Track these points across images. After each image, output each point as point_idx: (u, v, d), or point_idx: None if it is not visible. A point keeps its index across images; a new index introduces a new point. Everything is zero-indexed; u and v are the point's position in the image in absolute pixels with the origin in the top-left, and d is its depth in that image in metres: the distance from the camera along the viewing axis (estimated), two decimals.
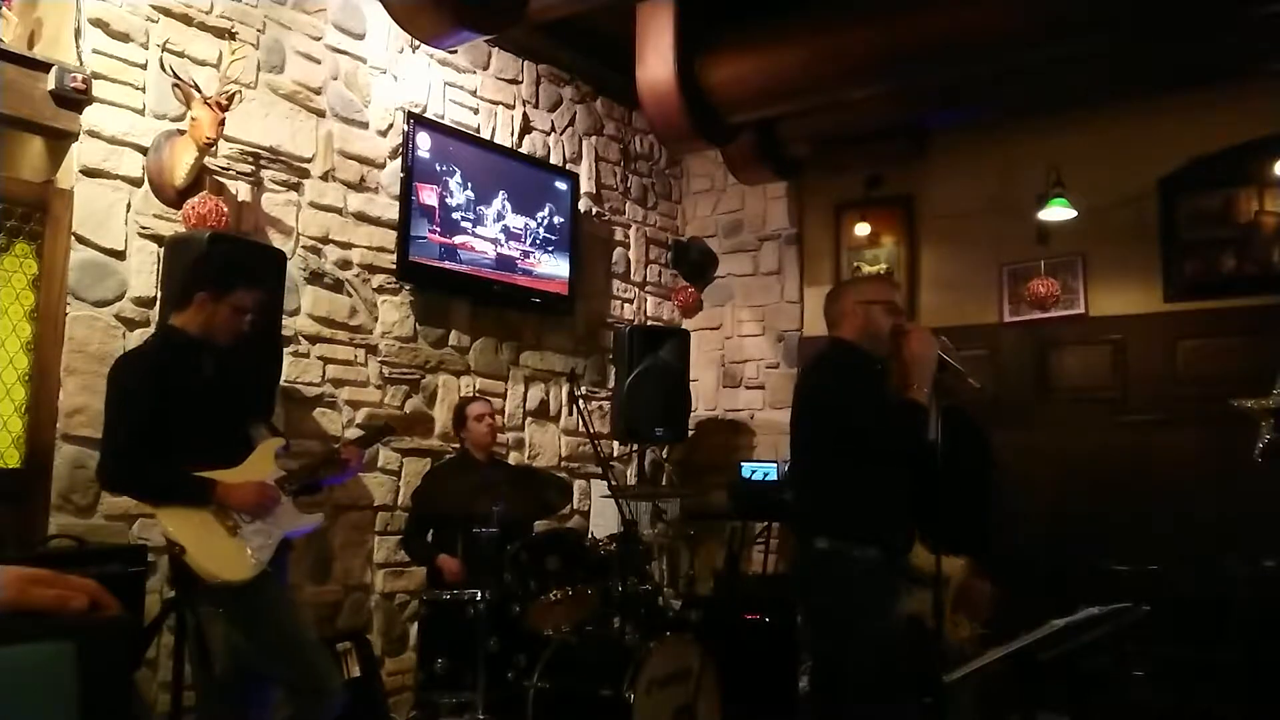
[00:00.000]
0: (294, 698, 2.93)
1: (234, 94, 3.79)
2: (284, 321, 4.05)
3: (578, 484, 5.63)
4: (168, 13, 3.84)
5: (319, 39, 4.44)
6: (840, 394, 3.06)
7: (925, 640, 3.20)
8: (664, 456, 6.34)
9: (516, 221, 5.27)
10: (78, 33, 3.56)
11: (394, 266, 4.67)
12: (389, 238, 4.67)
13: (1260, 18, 4.22)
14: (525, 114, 5.53)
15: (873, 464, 2.98)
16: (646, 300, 6.39)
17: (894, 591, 3.02)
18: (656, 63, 4.84)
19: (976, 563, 3.66)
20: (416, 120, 4.78)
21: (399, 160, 4.71)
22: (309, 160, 4.36)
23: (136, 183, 3.73)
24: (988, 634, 3.59)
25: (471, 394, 5.05)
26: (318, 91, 4.42)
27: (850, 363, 3.13)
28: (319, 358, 4.38)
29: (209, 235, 3.57)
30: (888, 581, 2.99)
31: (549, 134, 5.70)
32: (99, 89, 3.60)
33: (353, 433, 4.50)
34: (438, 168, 4.86)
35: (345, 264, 4.51)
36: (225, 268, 3.13)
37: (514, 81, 5.48)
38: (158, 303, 3.72)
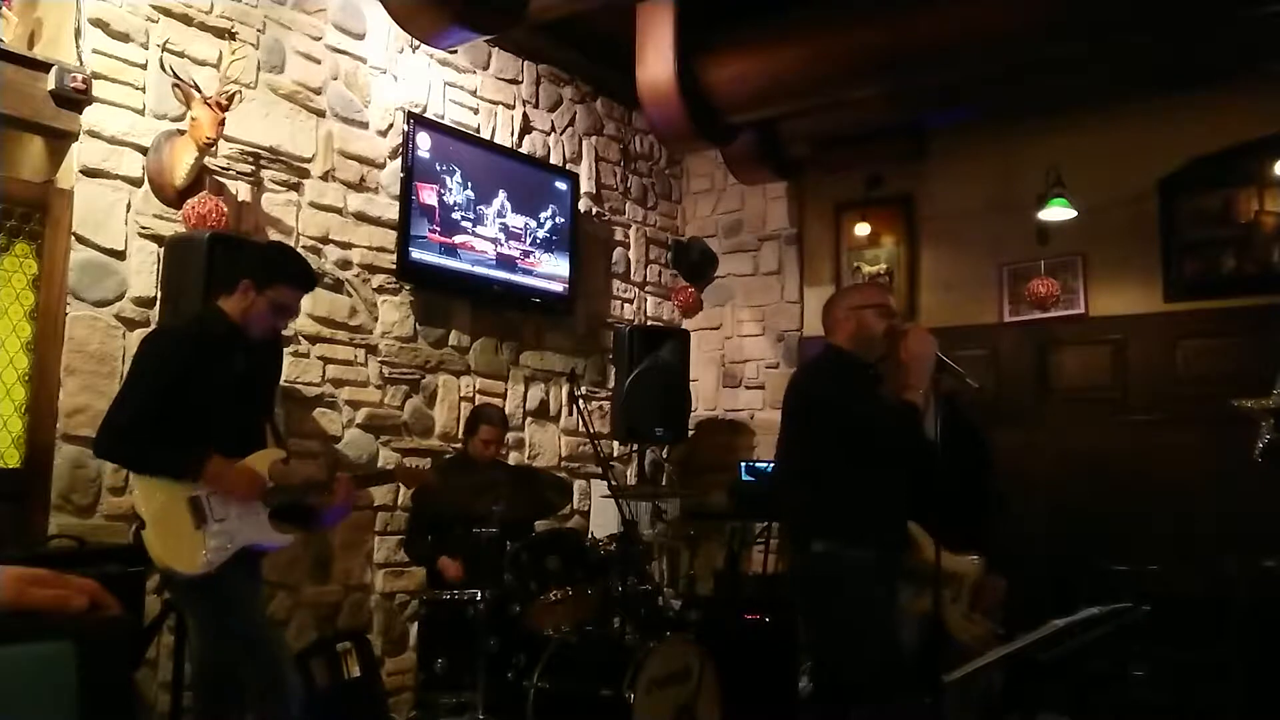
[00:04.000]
0: (257, 699, 2.93)
1: (234, 94, 3.79)
2: None
3: (578, 484, 5.63)
4: (168, 13, 3.83)
5: (319, 39, 4.44)
6: (833, 397, 3.06)
7: (937, 639, 3.20)
8: (664, 456, 6.34)
9: (516, 221, 5.27)
10: (78, 33, 3.56)
11: (394, 266, 4.67)
12: (389, 238, 4.67)
13: (1260, 18, 4.22)
14: (525, 114, 5.53)
15: (867, 466, 2.98)
16: (646, 300, 6.39)
17: (892, 591, 3.02)
18: (656, 63, 4.84)
19: (990, 560, 3.66)
20: (416, 120, 4.78)
21: (399, 160, 4.71)
22: (309, 160, 4.36)
23: (136, 183, 3.73)
24: (1004, 634, 3.58)
25: (473, 394, 5.06)
26: (318, 91, 4.42)
27: (840, 365, 3.14)
28: (319, 358, 4.38)
29: (209, 235, 3.57)
30: (885, 581, 2.99)
31: (549, 134, 5.70)
32: (99, 89, 3.60)
33: (353, 434, 4.50)
34: (438, 167, 4.86)
35: (345, 264, 4.51)
36: (272, 261, 3.12)
37: (514, 81, 5.47)
38: (158, 303, 3.72)
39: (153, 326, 3.69)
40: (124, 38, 3.69)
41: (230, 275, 3.08)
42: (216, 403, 2.95)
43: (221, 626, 2.94)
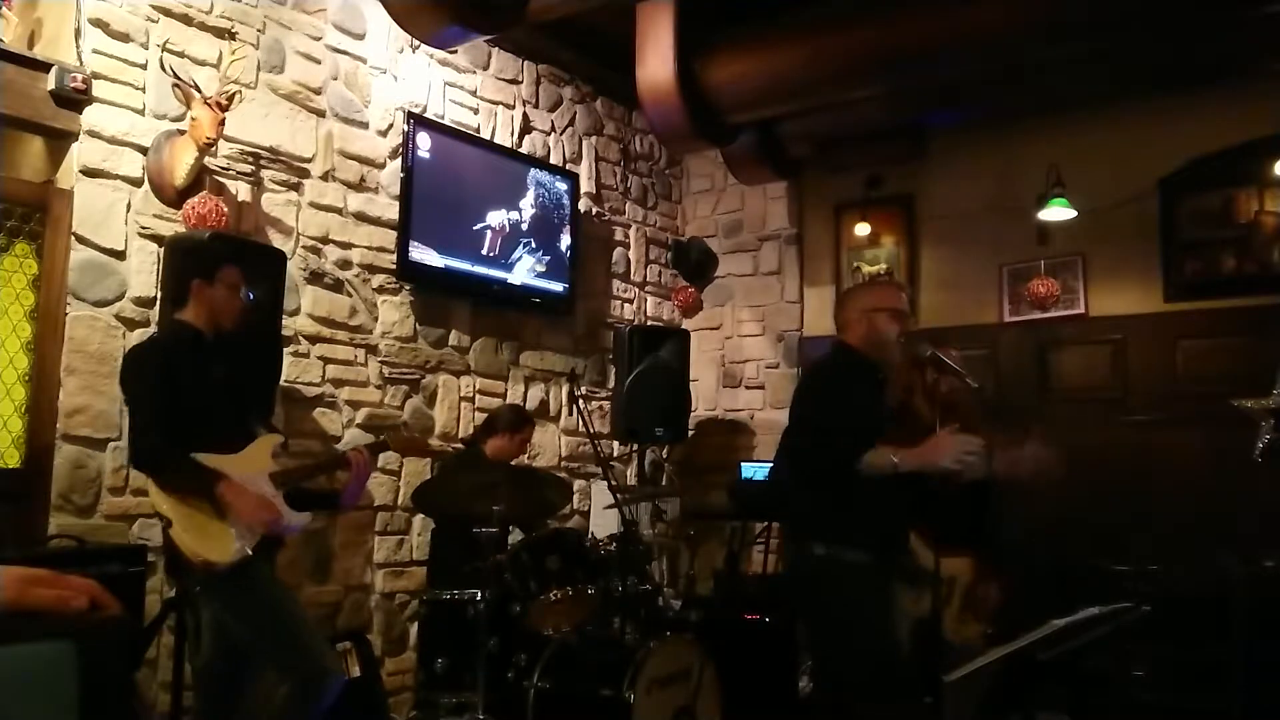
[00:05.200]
0: (292, 679, 2.92)
1: (234, 94, 3.78)
2: (284, 321, 4.05)
3: (578, 484, 5.63)
4: (168, 13, 3.83)
5: (319, 39, 4.44)
6: (816, 399, 3.07)
7: (933, 640, 3.20)
8: (664, 456, 6.34)
9: (517, 220, 5.27)
10: (78, 33, 3.56)
11: (394, 266, 4.67)
12: (389, 238, 4.67)
13: (1260, 18, 4.22)
14: (525, 114, 5.53)
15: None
16: (646, 300, 6.39)
17: (888, 594, 3.01)
18: (656, 63, 4.84)
19: (982, 562, 3.66)
20: (416, 120, 4.78)
21: (399, 160, 4.71)
22: (309, 160, 4.36)
23: (136, 183, 3.73)
24: (993, 634, 3.59)
25: (473, 394, 5.06)
26: (318, 91, 4.42)
27: (846, 365, 3.14)
28: (319, 358, 4.37)
29: (209, 235, 3.57)
30: (881, 584, 2.98)
31: (549, 134, 5.70)
32: (99, 89, 3.60)
33: (353, 434, 4.49)
34: (438, 167, 4.85)
35: (345, 264, 4.51)
36: (204, 252, 3.26)
37: (514, 81, 5.47)
38: (158, 303, 3.72)
39: (151, 329, 3.69)
40: (124, 38, 3.69)
41: (176, 289, 3.19)
42: (203, 408, 2.97)
43: (262, 615, 2.93)
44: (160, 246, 3.75)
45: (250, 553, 2.86)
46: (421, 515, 4.61)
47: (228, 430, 3.03)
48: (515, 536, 4.19)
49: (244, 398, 3.22)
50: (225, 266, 3.14)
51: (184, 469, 2.86)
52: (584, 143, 5.94)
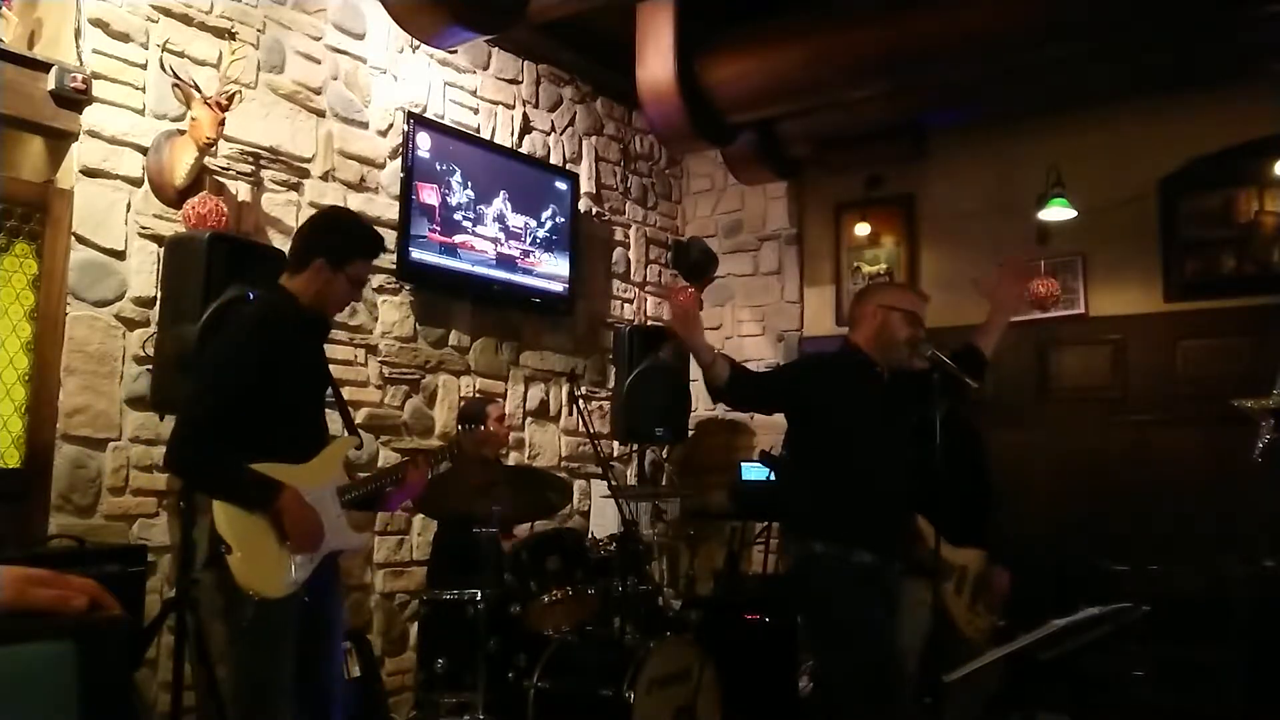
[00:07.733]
0: None
1: (234, 94, 3.79)
2: None
3: (578, 484, 5.63)
4: (168, 13, 3.83)
5: (319, 39, 4.44)
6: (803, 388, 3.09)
7: (940, 637, 3.21)
8: (664, 456, 6.34)
9: (516, 221, 5.27)
10: (78, 33, 3.56)
11: (394, 266, 4.67)
12: (389, 238, 4.67)
13: (1260, 18, 4.23)
14: (525, 114, 5.53)
15: (842, 461, 2.99)
16: (646, 300, 6.39)
17: (882, 593, 3.00)
18: (656, 63, 4.84)
19: (991, 554, 3.67)
20: (416, 120, 4.78)
21: (399, 160, 4.71)
22: (309, 160, 4.36)
23: (136, 183, 3.73)
24: (1004, 626, 3.59)
25: (473, 394, 5.06)
26: (318, 91, 4.42)
27: (841, 360, 3.14)
28: None
29: (209, 235, 3.57)
30: (876, 584, 2.97)
31: (549, 134, 5.70)
32: (99, 89, 3.60)
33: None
34: (438, 167, 4.85)
35: None
36: (346, 236, 2.92)
37: (514, 81, 5.47)
38: (158, 303, 3.72)
39: (151, 329, 3.67)
40: (124, 38, 3.69)
41: (297, 254, 2.89)
42: (282, 394, 2.74)
43: (261, 668, 2.66)
44: (160, 246, 3.74)
45: (300, 593, 2.65)
46: (422, 515, 4.61)
47: (303, 425, 2.82)
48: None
49: (324, 387, 2.98)
50: (359, 261, 2.88)
51: (240, 482, 2.62)
52: (584, 143, 5.94)
